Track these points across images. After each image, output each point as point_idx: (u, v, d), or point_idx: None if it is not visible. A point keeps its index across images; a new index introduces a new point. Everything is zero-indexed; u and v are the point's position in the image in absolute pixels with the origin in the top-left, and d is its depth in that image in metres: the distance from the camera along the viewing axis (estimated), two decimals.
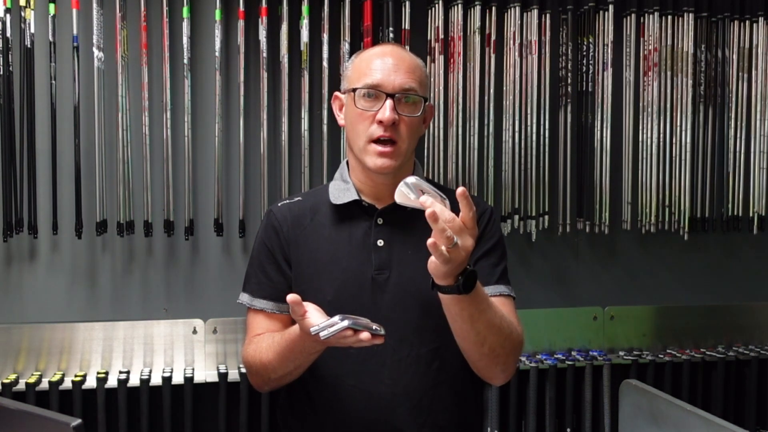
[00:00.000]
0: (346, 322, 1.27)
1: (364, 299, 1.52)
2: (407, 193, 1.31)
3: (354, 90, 1.51)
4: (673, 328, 2.51)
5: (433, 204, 1.24)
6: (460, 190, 1.25)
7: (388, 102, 1.47)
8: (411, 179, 1.31)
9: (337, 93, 1.61)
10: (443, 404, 1.53)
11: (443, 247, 1.23)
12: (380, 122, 1.47)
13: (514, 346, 1.46)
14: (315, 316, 1.32)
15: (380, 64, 1.50)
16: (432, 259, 1.28)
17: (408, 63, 1.52)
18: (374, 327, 1.29)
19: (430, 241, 1.24)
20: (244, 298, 1.62)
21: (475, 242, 1.52)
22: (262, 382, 1.57)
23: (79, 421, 1.13)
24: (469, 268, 1.31)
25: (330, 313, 1.39)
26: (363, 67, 1.53)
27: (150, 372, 2.14)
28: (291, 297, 1.31)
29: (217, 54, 2.21)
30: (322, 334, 1.27)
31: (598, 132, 2.41)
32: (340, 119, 1.60)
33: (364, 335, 1.28)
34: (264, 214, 1.73)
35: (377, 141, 1.49)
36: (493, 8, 2.33)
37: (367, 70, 1.51)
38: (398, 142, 1.49)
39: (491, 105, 2.34)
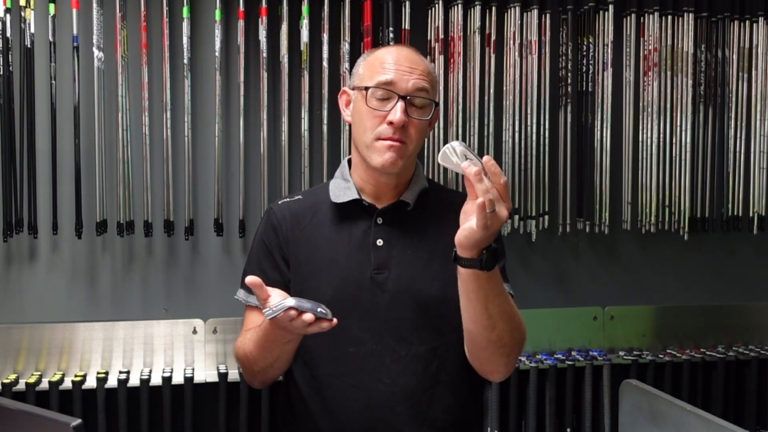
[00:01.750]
0: (289, 302, 1.26)
1: (363, 299, 1.52)
2: (450, 155, 1.29)
3: (366, 88, 1.50)
4: (673, 328, 2.50)
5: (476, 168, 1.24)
6: (486, 158, 1.25)
7: (400, 104, 1.46)
8: (456, 143, 1.29)
9: (345, 88, 1.61)
10: (442, 404, 1.53)
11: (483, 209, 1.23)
12: (390, 123, 1.47)
13: (521, 340, 1.47)
14: (276, 301, 1.31)
15: (394, 64, 1.50)
16: (463, 227, 1.29)
17: (422, 67, 1.53)
18: (320, 310, 1.29)
19: (479, 201, 1.22)
20: (241, 294, 1.63)
21: None
22: (250, 375, 1.58)
23: (79, 421, 1.13)
24: (494, 245, 1.31)
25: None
26: (376, 64, 1.52)
27: (150, 372, 2.14)
28: (250, 279, 1.30)
29: (217, 54, 2.21)
30: (266, 313, 1.28)
31: (598, 132, 2.41)
32: (347, 115, 1.60)
33: (307, 316, 1.27)
34: (264, 212, 1.73)
35: (385, 139, 1.49)
36: (493, 8, 2.33)
37: (381, 68, 1.50)
38: (406, 143, 1.49)
39: (491, 105, 2.34)
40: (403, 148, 1.48)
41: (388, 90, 1.48)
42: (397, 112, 1.46)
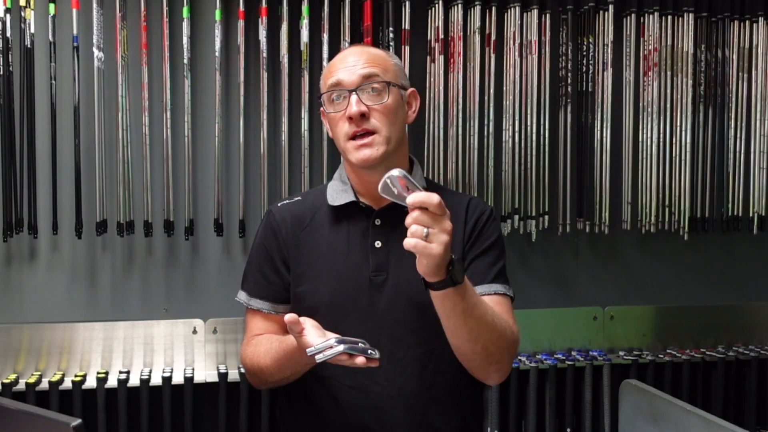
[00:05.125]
0: (341, 347, 1.28)
1: (361, 301, 1.52)
2: (390, 185, 1.29)
3: (321, 97, 1.55)
4: (673, 328, 2.50)
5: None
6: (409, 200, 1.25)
7: (353, 97, 1.49)
8: (395, 172, 1.28)
9: (322, 108, 1.64)
10: (439, 406, 1.53)
11: (419, 241, 1.24)
12: (350, 119, 1.49)
13: (509, 345, 1.46)
14: (312, 335, 1.32)
15: (341, 65, 1.54)
16: (416, 261, 1.29)
17: (369, 55, 1.54)
18: (369, 351, 1.31)
19: (406, 240, 1.25)
20: (242, 296, 1.64)
21: (471, 240, 1.52)
22: (260, 382, 1.59)
23: (79, 421, 1.13)
24: (454, 258, 1.30)
25: (327, 315, 1.41)
26: (326, 73, 1.56)
27: (150, 372, 2.14)
28: (288, 317, 1.31)
29: (217, 54, 2.21)
30: (317, 357, 1.28)
31: (598, 132, 2.41)
32: (329, 130, 1.63)
33: (359, 360, 1.29)
34: (264, 214, 1.74)
35: (354, 137, 1.50)
36: (493, 8, 2.33)
37: (329, 75, 1.54)
38: (375, 132, 1.50)
39: (491, 105, 2.34)
40: (374, 138, 1.50)
41: (338, 90, 1.51)
42: (351, 106, 1.48)
